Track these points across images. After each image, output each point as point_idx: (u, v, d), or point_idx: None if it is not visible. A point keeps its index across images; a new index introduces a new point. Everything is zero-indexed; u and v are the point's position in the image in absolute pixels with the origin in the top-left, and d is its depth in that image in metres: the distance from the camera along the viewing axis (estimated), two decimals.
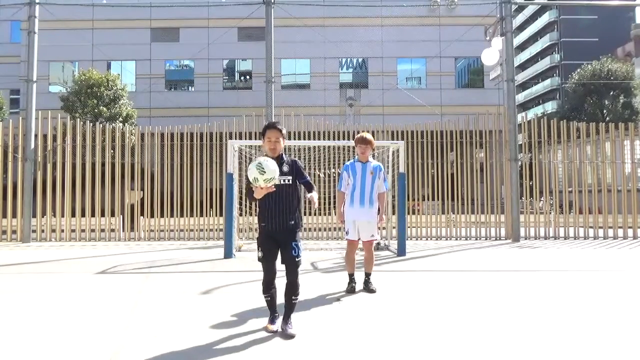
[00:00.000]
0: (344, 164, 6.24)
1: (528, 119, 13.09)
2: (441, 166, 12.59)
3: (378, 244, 9.48)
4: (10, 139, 11.96)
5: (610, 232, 12.30)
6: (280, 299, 4.07)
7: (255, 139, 11.88)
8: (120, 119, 22.93)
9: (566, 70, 49.73)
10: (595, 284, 6.36)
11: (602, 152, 12.54)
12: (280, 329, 3.98)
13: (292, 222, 4.00)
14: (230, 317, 4.52)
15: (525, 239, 11.99)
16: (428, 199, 13.06)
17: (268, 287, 4.03)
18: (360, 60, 30.45)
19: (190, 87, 31.26)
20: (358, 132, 6.44)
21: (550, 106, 52.54)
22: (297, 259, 3.96)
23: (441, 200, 12.45)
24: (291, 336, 3.86)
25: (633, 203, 12.31)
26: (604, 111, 34.77)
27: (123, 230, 11.98)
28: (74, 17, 25.08)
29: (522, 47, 61.34)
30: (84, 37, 26.61)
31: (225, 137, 12.12)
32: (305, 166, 4.30)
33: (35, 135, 11.92)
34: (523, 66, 60.77)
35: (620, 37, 48.19)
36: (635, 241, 11.54)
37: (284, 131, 4.10)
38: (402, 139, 11.95)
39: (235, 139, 11.51)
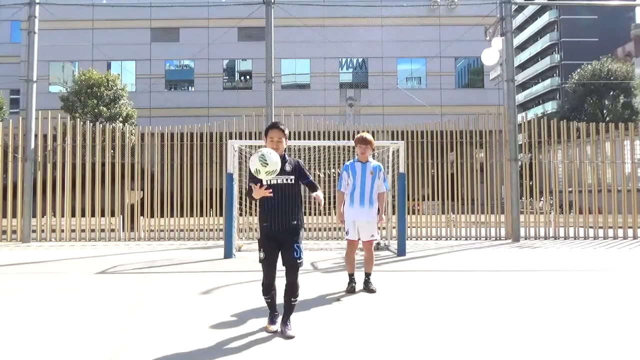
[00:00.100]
0: (344, 164, 6.24)
1: (528, 119, 13.09)
2: (441, 166, 12.59)
3: (378, 244, 9.48)
4: (10, 139, 11.96)
5: (610, 232, 12.30)
6: (279, 299, 4.07)
7: (255, 139, 11.91)
8: (120, 119, 22.94)
9: (566, 70, 49.74)
10: (595, 284, 6.36)
11: (602, 152, 12.54)
12: (279, 330, 3.97)
13: (295, 223, 3.98)
14: (230, 317, 4.52)
15: (525, 239, 11.99)
16: (428, 199, 13.06)
17: (268, 289, 4.02)
18: (360, 60, 30.45)
19: (190, 87, 31.27)
20: (358, 132, 6.44)
21: (550, 106, 52.55)
22: (298, 261, 3.94)
23: (441, 200, 12.45)
24: (290, 337, 3.85)
25: (633, 203, 12.31)
26: (604, 111, 34.77)
27: (123, 230, 11.98)
28: (74, 17, 25.08)
29: (522, 47, 61.34)
30: (84, 37, 26.62)
31: (225, 137, 12.12)
32: (305, 166, 4.28)
33: (35, 135, 11.92)
34: (523, 66, 60.78)
35: (620, 37, 48.19)
36: (635, 241, 11.55)
37: (287, 131, 4.09)
38: (402, 139, 11.95)
39: (235, 139, 11.51)
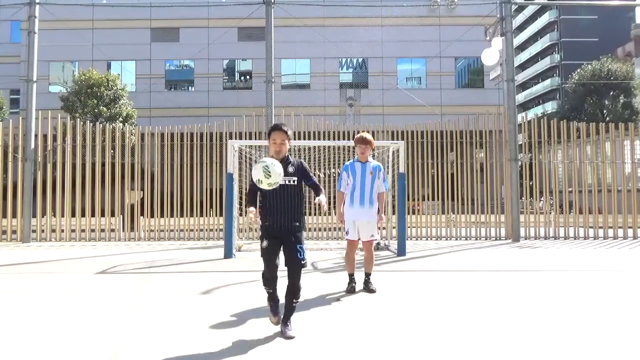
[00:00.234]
0: (343, 164, 6.23)
1: (528, 119, 13.08)
2: (441, 166, 12.59)
3: (378, 244, 9.48)
4: (10, 139, 11.96)
5: (610, 232, 12.30)
6: (280, 299, 4.06)
7: (255, 138, 11.92)
8: (120, 119, 22.94)
9: (566, 70, 49.74)
10: (595, 284, 6.36)
11: (602, 152, 12.54)
12: (280, 329, 3.97)
13: (297, 224, 3.97)
14: (230, 317, 4.52)
15: (525, 239, 11.99)
16: (428, 199, 13.06)
17: (270, 281, 3.92)
18: (360, 60, 30.46)
19: (190, 87, 31.27)
20: (358, 132, 6.44)
21: (550, 106, 52.55)
22: (302, 262, 3.93)
23: (441, 200, 12.45)
24: (291, 337, 3.85)
25: (633, 203, 12.31)
26: (604, 111, 34.77)
27: (123, 230, 11.98)
28: (74, 17, 25.09)
29: (522, 47, 61.34)
30: (84, 37, 26.62)
31: (225, 137, 12.12)
32: (309, 167, 4.27)
33: (35, 135, 11.92)
34: (523, 66, 60.78)
35: (620, 37, 48.19)
36: (635, 241, 11.54)
37: (290, 133, 4.07)
38: (402, 139, 11.94)
39: (235, 139, 11.51)
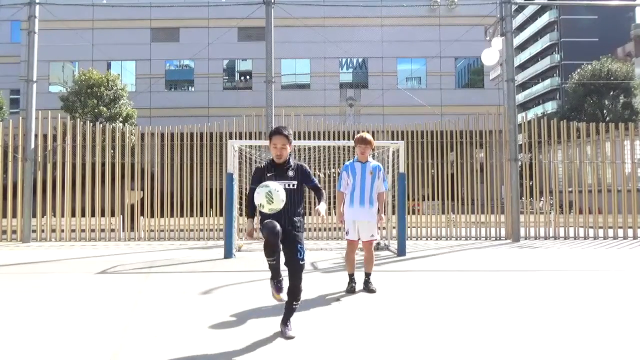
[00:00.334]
0: (343, 164, 6.24)
1: (528, 119, 13.09)
2: (441, 166, 12.59)
3: (378, 244, 9.48)
4: (10, 139, 11.96)
5: (610, 232, 12.30)
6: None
7: (255, 138, 11.92)
8: (120, 119, 22.95)
9: (566, 70, 49.73)
10: (595, 284, 6.36)
11: (602, 152, 12.54)
12: (279, 330, 3.96)
13: (298, 226, 3.98)
14: (230, 317, 4.52)
15: (525, 239, 11.99)
16: (428, 199, 13.06)
17: (273, 249, 3.74)
18: (360, 60, 30.46)
19: (190, 87, 31.27)
20: (358, 132, 6.44)
21: (550, 106, 52.56)
22: (301, 262, 3.92)
23: (441, 200, 12.45)
24: (291, 337, 3.85)
25: (633, 203, 12.31)
26: (604, 111, 34.76)
27: (123, 230, 11.99)
28: (74, 17, 25.06)
29: (522, 47, 61.33)
30: (84, 37, 26.60)
31: (225, 137, 12.12)
32: (310, 169, 4.25)
33: (35, 135, 11.92)
34: (523, 66, 60.78)
35: (620, 37, 48.19)
36: (635, 241, 11.55)
37: (291, 137, 4.04)
38: (402, 139, 11.95)
39: (235, 139, 11.51)
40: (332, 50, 26.80)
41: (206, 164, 12.69)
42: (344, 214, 5.73)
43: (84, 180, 11.95)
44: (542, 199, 13.20)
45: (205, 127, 12.83)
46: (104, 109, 22.99)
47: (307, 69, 30.13)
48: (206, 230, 12.15)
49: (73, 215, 11.81)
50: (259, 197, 3.70)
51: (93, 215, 12.22)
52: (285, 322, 3.96)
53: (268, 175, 3.96)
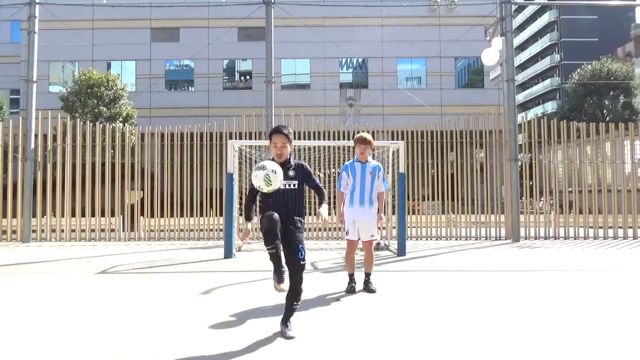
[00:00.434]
0: (343, 164, 6.24)
1: (528, 119, 13.09)
2: (441, 166, 12.59)
3: (378, 244, 9.48)
4: (10, 139, 11.96)
5: (610, 232, 12.30)
6: (279, 299, 4.06)
7: (255, 138, 11.92)
8: (120, 119, 22.95)
9: (566, 70, 49.73)
10: (595, 284, 6.36)
11: (602, 152, 12.54)
12: (279, 330, 3.96)
13: (299, 226, 3.96)
14: (230, 317, 4.52)
15: (525, 239, 11.99)
16: (428, 199, 13.06)
17: (272, 237, 3.69)
18: (360, 60, 30.46)
19: (190, 87, 31.28)
20: (358, 132, 6.44)
21: (550, 106, 52.56)
22: (302, 262, 3.91)
23: (441, 200, 12.45)
24: (290, 337, 3.85)
25: (633, 203, 12.31)
26: (604, 111, 34.76)
27: (123, 230, 11.99)
28: (74, 17, 25.07)
29: (522, 47, 61.34)
30: (84, 37, 26.61)
31: (225, 137, 12.12)
32: (310, 168, 4.24)
33: (35, 135, 11.92)
34: (523, 66, 60.78)
35: (620, 37, 48.19)
36: (635, 241, 11.55)
37: (291, 135, 4.03)
38: (402, 139, 11.95)
39: (235, 139, 11.50)
40: (332, 50, 26.81)
41: (206, 164, 12.69)
42: (343, 214, 5.73)
43: (84, 180, 11.95)
44: (542, 199, 13.20)
45: (205, 127, 12.83)
46: (104, 109, 22.99)
47: (307, 69, 30.13)
48: (206, 230, 12.15)
49: (73, 215, 11.81)
50: (257, 180, 3.70)
51: (93, 215, 12.22)
52: (285, 322, 3.96)
53: None
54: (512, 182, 12.11)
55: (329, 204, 10.05)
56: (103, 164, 12.31)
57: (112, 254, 9.34)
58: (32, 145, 11.82)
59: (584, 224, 12.23)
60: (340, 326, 4.29)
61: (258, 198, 4.06)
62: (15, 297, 5.57)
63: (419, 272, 7.28)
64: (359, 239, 5.69)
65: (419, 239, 12.04)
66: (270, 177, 3.67)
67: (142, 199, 12.37)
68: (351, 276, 5.69)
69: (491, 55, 13.30)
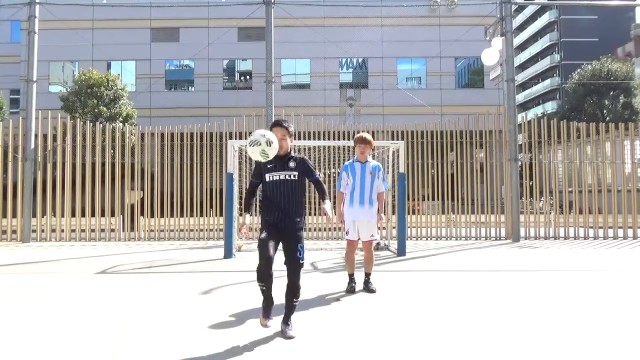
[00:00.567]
0: (343, 164, 6.24)
1: (528, 119, 13.09)
2: (441, 166, 12.59)
3: (378, 244, 9.48)
4: (10, 139, 11.96)
5: (610, 232, 12.30)
6: (280, 299, 4.06)
7: None
8: (120, 119, 22.95)
9: (566, 70, 49.73)
10: (595, 284, 6.36)
11: (602, 152, 12.54)
12: (280, 330, 3.96)
13: (298, 219, 3.94)
14: (230, 317, 4.52)
15: (525, 239, 11.99)
16: (428, 199, 13.06)
17: (265, 275, 3.74)
18: (360, 60, 30.46)
19: (190, 87, 31.28)
20: (358, 132, 6.44)
21: (550, 106, 52.56)
22: (301, 261, 3.91)
23: (441, 200, 12.45)
24: (291, 337, 3.85)
25: (633, 203, 12.31)
26: (604, 111, 34.76)
27: (123, 230, 11.98)
28: (74, 17, 25.05)
29: (522, 47, 61.33)
30: (84, 37, 26.62)
31: (225, 137, 12.12)
32: (312, 163, 4.24)
33: (35, 135, 11.92)
34: (523, 66, 60.77)
35: (620, 37, 48.18)
36: (635, 241, 11.55)
37: (291, 129, 4.04)
38: (402, 139, 11.94)
39: (235, 139, 11.51)
40: (332, 50, 26.81)
41: (206, 164, 12.68)
42: (343, 214, 5.73)
43: (84, 180, 11.94)
44: (542, 199, 13.19)
45: (205, 127, 12.83)
46: (104, 109, 22.99)
47: (307, 69, 30.13)
48: (206, 230, 12.15)
49: (73, 215, 11.81)
50: (255, 155, 3.76)
51: (93, 215, 12.22)
52: (286, 321, 3.96)
53: (268, 166, 3.94)
54: (512, 182, 12.10)
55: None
56: (103, 164, 12.31)
57: (112, 254, 9.34)
58: (32, 145, 11.82)
59: (584, 224, 12.23)
60: (340, 326, 4.29)
61: (258, 192, 4.07)
62: (15, 297, 5.57)
63: (419, 272, 7.28)
64: (359, 239, 5.69)
65: (419, 239, 12.04)
66: (267, 152, 3.73)
67: (142, 199, 12.37)
68: (351, 276, 5.69)
69: (491, 55, 13.30)
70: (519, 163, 13.51)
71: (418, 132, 12.70)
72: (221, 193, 11.68)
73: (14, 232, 11.63)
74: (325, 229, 12.30)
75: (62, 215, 11.71)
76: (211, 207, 12.28)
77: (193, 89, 30.87)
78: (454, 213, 12.86)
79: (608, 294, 5.69)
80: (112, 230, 11.99)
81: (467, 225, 12.65)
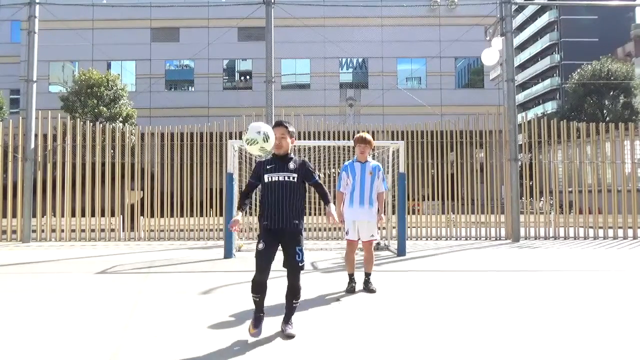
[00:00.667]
0: (343, 164, 6.24)
1: (528, 119, 13.09)
2: (441, 166, 12.59)
3: (378, 244, 9.48)
4: (10, 139, 11.96)
5: (610, 232, 12.30)
6: (280, 299, 4.06)
7: None
8: (120, 119, 22.96)
9: (566, 70, 49.74)
10: (595, 284, 6.36)
11: (602, 152, 12.54)
12: (280, 330, 3.96)
13: (296, 222, 3.90)
14: (230, 317, 4.52)
15: (525, 239, 11.99)
16: (428, 199, 13.06)
17: (260, 288, 3.80)
18: (360, 60, 30.46)
19: (190, 87, 31.28)
20: (358, 132, 6.44)
21: (550, 106, 52.56)
22: (300, 264, 3.89)
23: (441, 200, 12.45)
24: (291, 336, 3.85)
25: (633, 203, 12.31)
26: (604, 111, 34.77)
27: (123, 230, 11.99)
28: (74, 17, 25.06)
29: (522, 47, 61.33)
30: (84, 37, 26.61)
31: (225, 137, 12.12)
32: (312, 166, 4.23)
33: (35, 135, 11.92)
34: (523, 66, 60.77)
35: (620, 37, 48.19)
36: (635, 241, 11.55)
37: (291, 129, 4.01)
38: (402, 139, 11.95)
39: (235, 139, 11.48)
40: (332, 50, 26.80)
41: (206, 164, 12.69)
42: (343, 214, 5.73)
43: (84, 180, 11.95)
44: (542, 199, 13.19)
45: (205, 127, 12.83)
46: (104, 109, 23.00)
47: (307, 69, 30.14)
48: (206, 230, 12.15)
49: (73, 215, 11.81)
50: (254, 151, 3.80)
51: (93, 215, 12.22)
52: (286, 321, 3.96)
53: (268, 167, 3.93)
54: (512, 182, 12.10)
55: None
56: (103, 164, 12.31)
57: (112, 254, 9.34)
58: (32, 145, 11.82)
59: (584, 224, 12.23)
60: (340, 326, 4.29)
61: (258, 192, 4.08)
62: (15, 297, 5.57)
63: (419, 272, 7.28)
64: (359, 239, 5.69)
65: (419, 239, 12.04)
66: (265, 147, 3.76)
67: (142, 199, 12.37)
68: (351, 276, 5.69)
69: (491, 55, 13.30)
70: (519, 163, 13.51)
71: (418, 132, 12.70)
72: (221, 193, 11.68)
73: (14, 232, 11.63)
74: (325, 229, 12.30)
75: (62, 215, 11.71)
76: (211, 207, 12.28)
77: (193, 89, 30.87)
78: (453, 213, 12.86)
79: (608, 294, 5.69)
80: (112, 230, 11.99)
81: (467, 225, 12.65)
